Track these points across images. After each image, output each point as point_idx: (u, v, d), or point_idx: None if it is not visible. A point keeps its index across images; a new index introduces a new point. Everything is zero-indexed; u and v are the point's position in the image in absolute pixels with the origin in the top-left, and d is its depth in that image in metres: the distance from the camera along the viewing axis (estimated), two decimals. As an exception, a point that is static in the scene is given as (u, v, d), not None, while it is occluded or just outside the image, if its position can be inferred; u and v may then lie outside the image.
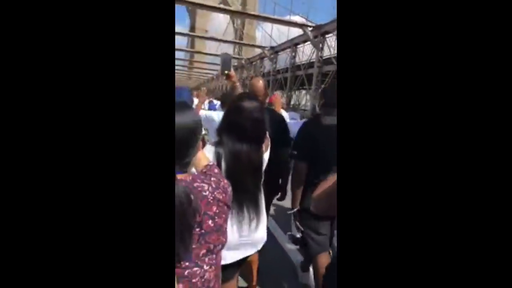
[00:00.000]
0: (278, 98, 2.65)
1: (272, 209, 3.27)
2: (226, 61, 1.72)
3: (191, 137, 0.81)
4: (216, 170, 0.94)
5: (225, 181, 0.91)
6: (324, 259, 1.75)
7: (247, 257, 1.31)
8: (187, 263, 0.77)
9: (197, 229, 0.78)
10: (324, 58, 9.65)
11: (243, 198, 1.20)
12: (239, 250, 1.25)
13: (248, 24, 30.70)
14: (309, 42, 10.50)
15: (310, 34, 9.75)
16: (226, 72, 1.69)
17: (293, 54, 11.75)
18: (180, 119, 0.76)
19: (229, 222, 1.03)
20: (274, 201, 2.24)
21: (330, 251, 1.80)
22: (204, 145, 1.20)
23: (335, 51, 8.71)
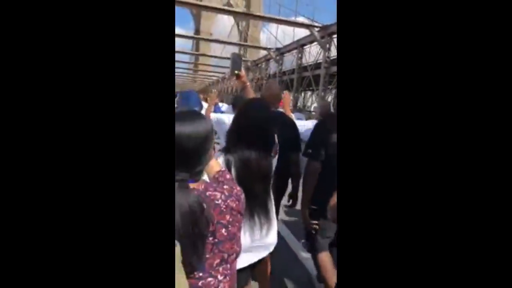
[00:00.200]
0: (288, 98, 2.51)
1: (285, 216, 3.23)
2: (236, 61, 1.69)
3: (203, 146, 0.80)
4: (228, 176, 0.93)
5: (238, 188, 0.89)
6: (327, 258, 1.81)
7: (260, 260, 1.30)
8: (200, 274, 0.75)
9: (210, 238, 0.76)
10: (331, 58, 9.48)
11: (254, 204, 1.20)
12: (251, 253, 1.25)
13: (253, 27, 30.69)
14: (315, 43, 10.36)
15: (317, 35, 9.60)
16: (236, 72, 1.67)
17: (300, 55, 11.61)
18: (192, 128, 0.76)
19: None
20: (288, 208, 2.18)
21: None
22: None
23: (343, 51, 8.48)
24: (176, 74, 24.31)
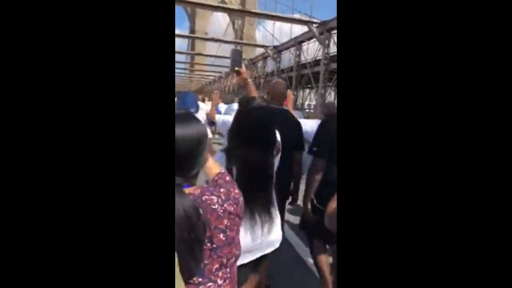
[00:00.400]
0: (290, 95, 2.43)
1: (289, 218, 3.10)
2: (236, 57, 1.65)
3: (197, 149, 0.78)
4: (227, 178, 0.91)
5: (236, 190, 0.86)
6: (323, 261, 1.87)
7: (263, 257, 1.30)
8: (200, 279, 0.75)
9: (208, 244, 0.75)
10: (330, 55, 9.34)
11: (255, 204, 1.18)
12: (253, 252, 1.25)
13: (248, 25, 30.55)
14: (314, 40, 10.22)
15: (316, 31, 9.45)
16: (236, 68, 1.63)
17: (298, 52, 11.46)
18: (184, 130, 0.74)
19: (242, 228, 1.04)
20: (291, 211, 2.14)
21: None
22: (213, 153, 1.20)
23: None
24: (172, 74, 24.12)
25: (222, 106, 6.01)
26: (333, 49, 9.39)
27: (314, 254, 1.93)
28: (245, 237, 1.14)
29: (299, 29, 10.83)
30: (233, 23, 31.45)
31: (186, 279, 0.71)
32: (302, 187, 1.89)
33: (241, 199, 0.86)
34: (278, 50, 12.89)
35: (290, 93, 2.34)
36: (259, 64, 15.36)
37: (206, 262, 0.75)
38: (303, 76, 11.16)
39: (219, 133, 9.51)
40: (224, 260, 0.78)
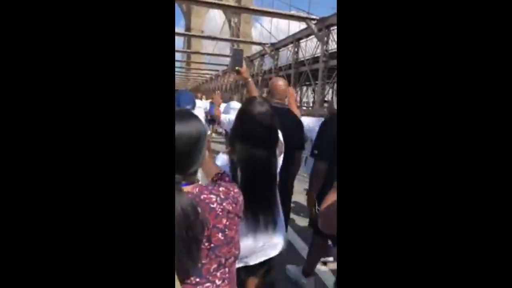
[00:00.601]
0: (293, 92, 2.38)
1: (293, 220, 3.12)
2: (237, 57, 1.66)
3: (196, 146, 0.77)
4: (227, 179, 0.91)
5: (236, 190, 0.84)
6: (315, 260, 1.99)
7: (268, 261, 1.28)
8: (197, 279, 0.74)
9: (206, 244, 0.74)
10: (330, 52, 9.22)
11: (258, 205, 1.17)
12: (257, 254, 1.23)
13: (244, 23, 30.38)
14: (312, 37, 10.09)
15: (314, 28, 9.32)
16: (236, 68, 1.64)
17: (296, 49, 11.33)
18: (182, 128, 0.73)
19: (245, 230, 1.03)
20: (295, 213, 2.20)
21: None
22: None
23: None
24: (168, 73, 24.03)
25: (221, 105, 5.92)
26: (332, 46, 9.27)
27: (310, 252, 2.03)
28: (247, 238, 1.14)
29: (296, 27, 10.70)
30: (229, 21, 31.23)
31: (183, 279, 0.70)
32: (302, 186, 1.88)
33: (241, 198, 0.84)
34: (276, 47, 12.75)
35: (291, 90, 2.30)
36: (256, 62, 15.22)
37: (204, 261, 0.74)
38: (301, 73, 11.03)
39: (216, 132, 9.43)
40: (223, 260, 0.77)
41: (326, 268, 2.34)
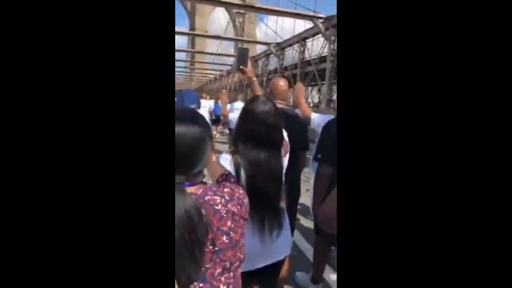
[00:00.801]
0: (302, 89, 2.30)
1: (299, 223, 3.09)
2: (242, 55, 1.64)
3: (200, 146, 0.73)
4: (232, 180, 0.88)
5: (241, 191, 0.80)
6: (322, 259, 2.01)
7: (274, 265, 1.24)
8: (201, 284, 0.70)
9: (210, 247, 0.70)
10: (337, 51, 9.03)
11: (264, 207, 1.14)
12: (263, 258, 1.19)
13: (249, 23, 30.28)
14: (319, 36, 9.90)
15: (321, 26, 9.13)
16: (241, 67, 1.62)
17: (302, 49, 11.15)
18: (187, 127, 0.71)
19: (250, 232, 1.00)
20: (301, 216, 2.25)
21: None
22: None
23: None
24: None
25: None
26: (339, 45, 9.08)
27: (315, 257, 2.04)
28: (252, 241, 1.11)
29: (301, 27, 10.53)
30: (233, 21, 31.15)
31: (186, 284, 0.68)
32: (305, 187, 1.88)
33: (246, 200, 0.81)
34: (281, 47, 12.58)
35: (301, 85, 2.26)
36: (261, 61, 15.06)
37: (207, 266, 0.71)
38: (308, 73, 10.85)
39: (220, 132, 9.29)
40: (228, 264, 0.74)
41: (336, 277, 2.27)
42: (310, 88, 14.31)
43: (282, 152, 1.26)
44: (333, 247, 2.05)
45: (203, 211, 0.68)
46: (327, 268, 2.16)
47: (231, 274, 0.75)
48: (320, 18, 9.25)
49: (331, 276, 2.24)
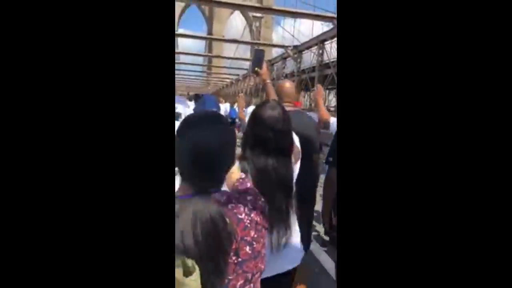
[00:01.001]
0: (321, 91, 2.24)
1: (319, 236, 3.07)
2: (258, 57, 1.63)
3: (226, 150, 0.71)
4: (249, 184, 0.88)
5: (262, 199, 0.80)
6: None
7: (284, 274, 1.19)
8: None
9: (233, 258, 0.68)
10: (357, 53, 8.78)
11: (272, 215, 1.02)
12: (271, 267, 1.08)
13: (265, 28, 30.35)
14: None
15: (341, 28, 8.89)
16: (256, 69, 1.60)
17: (320, 51, 10.93)
18: (212, 131, 0.69)
19: None
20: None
21: None
22: None
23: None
24: (190, 77, 24.53)
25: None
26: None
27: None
28: None
29: (319, 30, 10.31)
30: (250, 26, 31.29)
31: None
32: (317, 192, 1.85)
33: (267, 208, 0.80)
34: (299, 50, 12.39)
35: (320, 88, 2.23)
36: (277, 65, 14.92)
37: (230, 277, 0.68)
38: (326, 76, 10.61)
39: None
40: (249, 276, 0.73)
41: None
42: (327, 91, 14.03)
43: (293, 159, 1.20)
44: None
45: (227, 219, 0.65)
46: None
47: (252, 285, 0.74)
48: (340, 19, 9.03)
49: None
